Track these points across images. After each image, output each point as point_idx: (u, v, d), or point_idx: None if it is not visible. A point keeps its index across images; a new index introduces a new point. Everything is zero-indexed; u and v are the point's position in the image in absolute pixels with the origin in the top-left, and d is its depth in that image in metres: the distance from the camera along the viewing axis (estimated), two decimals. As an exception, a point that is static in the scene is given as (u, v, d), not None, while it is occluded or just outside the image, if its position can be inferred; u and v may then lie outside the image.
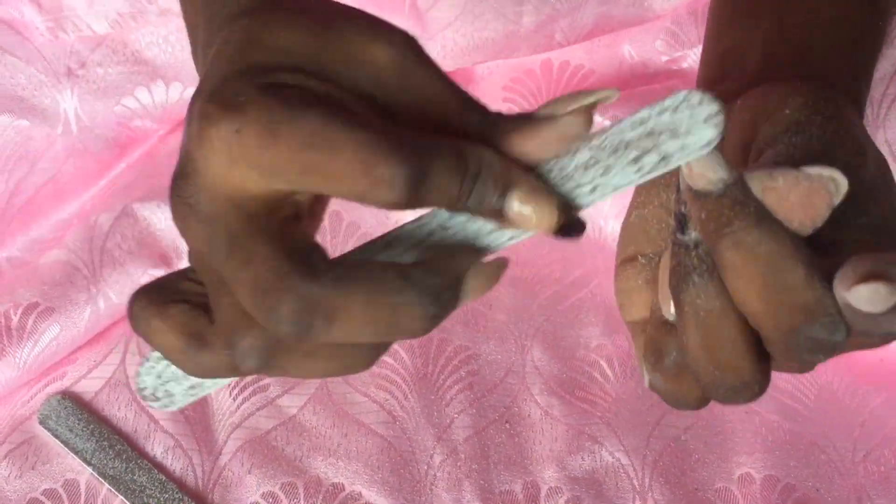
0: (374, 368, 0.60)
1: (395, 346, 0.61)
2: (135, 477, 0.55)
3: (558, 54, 0.72)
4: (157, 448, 0.57)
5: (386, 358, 0.61)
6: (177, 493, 0.55)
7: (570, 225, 0.30)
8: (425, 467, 0.57)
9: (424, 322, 0.28)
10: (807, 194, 0.30)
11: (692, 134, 0.28)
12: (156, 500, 0.55)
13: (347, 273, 0.27)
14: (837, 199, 0.30)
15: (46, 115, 0.61)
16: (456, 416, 0.59)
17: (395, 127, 0.28)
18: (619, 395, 0.60)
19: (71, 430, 0.56)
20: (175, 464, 0.56)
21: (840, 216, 0.32)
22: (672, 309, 0.34)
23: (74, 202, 0.67)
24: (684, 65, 0.67)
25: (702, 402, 0.35)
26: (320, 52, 0.29)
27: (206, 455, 0.57)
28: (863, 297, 0.28)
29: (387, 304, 0.27)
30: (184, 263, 0.62)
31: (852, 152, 0.36)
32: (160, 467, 0.56)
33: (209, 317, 0.30)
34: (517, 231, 0.30)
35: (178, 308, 0.30)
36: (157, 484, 0.55)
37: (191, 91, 0.64)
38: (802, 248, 0.30)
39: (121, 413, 0.58)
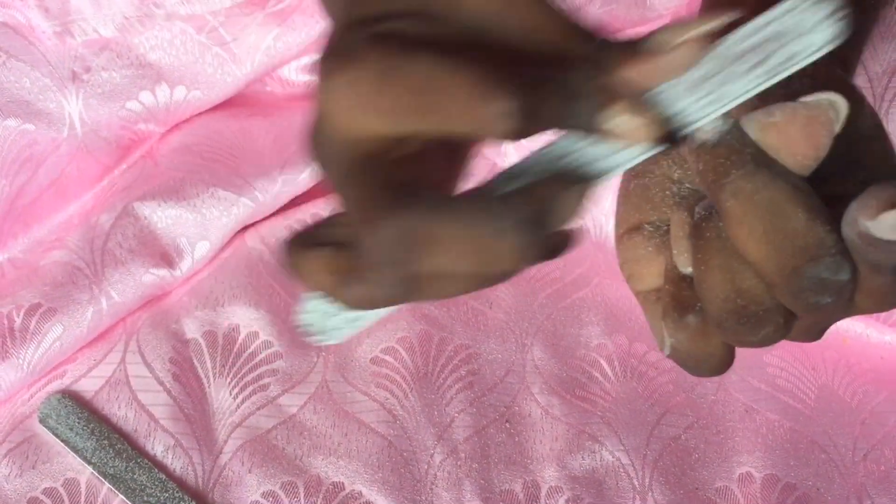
0: (374, 367, 0.60)
1: (395, 345, 0.61)
2: (135, 476, 0.55)
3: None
4: (157, 447, 0.57)
5: (386, 356, 0.61)
6: (177, 492, 0.55)
7: (670, 135, 0.30)
8: (425, 466, 0.57)
9: (516, 255, 0.28)
10: (807, 124, 0.29)
11: (814, 32, 0.28)
12: (156, 499, 0.55)
13: (443, 204, 0.28)
14: (838, 126, 0.30)
15: (51, 120, 0.61)
16: (456, 415, 0.59)
17: (501, 63, 0.29)
18: (620, 394, 0.60)
19: (71, 429, 0.56)
20: (175, 463, 0.56)
21: (837, 169, 0.31)
22: (688, 262, 0.34)
23: (75, 203, 0.67)
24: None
25: (725, 361, 0.35)
26: None
27: (206, 454, 0.57)
28: (888, 224, 0.27)
29: (480, 236, 0.28)
30: (185, 263, 0.62)
31: (855, 97, 0.35)
32: (160, 466, 0.56)
33: (358, 253, 0.31)
34: (632, 147, 0.30)
35: (326, 249, 0.31)
36: (157, 483, 0.55)
37: (195, 94, 0.65)
38: (803, 190, 0.29)
39: (121, 412, 0.58)
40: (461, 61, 0.28)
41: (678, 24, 0.29)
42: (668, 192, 0.38)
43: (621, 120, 0.29)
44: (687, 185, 0.38)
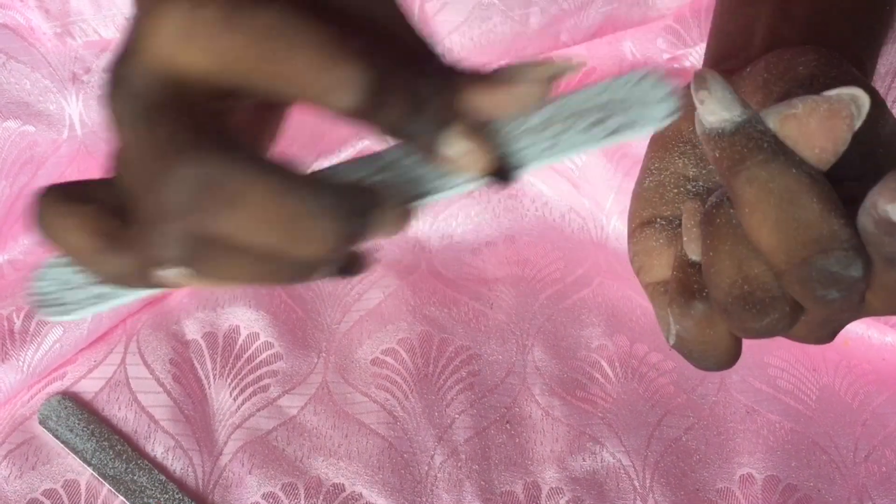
0: (375, 368, 0.60)
1: (395, 347, 0.61)
2: (135, 477, 0.55)
3: (561, 53, 0.72)
4: (157, 448, 0.57)
5: (386, 358, 0.61)
6: (177, 493, 0.55)
7: (500, 173, 0.30)
8: (426, 468, 0.57)
9: (324, 239, 0.26)
10: (827, 117, 0.29)
11: (648, 108, 0.29)
12: (156, 500, 0.55)
13: (259, 161, 0.26)
14: (859, 121, 0.29)
15: (52, 121, 0.61)
16: (457, 416, 0.59)
17: (359, 35, 0.27)
18: (621, 395, 0.60)
19: (71, 431, 0.56)
20: (175, 464, 0.56)
21: (853, 172, 0.31)
22: (698, 250, 0.34)
23: None
24: (686, 63, 0.67)
25: (731, 353, 0.34)
26: None
27: (206, 455, 0.57)
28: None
29: (289, 206, 0.26)
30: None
31: (877, 100, 0.35)
32: (160, 468, 0.56)
33: (125, 222, 0.28)
34: (458, 179, 0.30)
35: (91, 207, 0.28)
36: (157, 484, 0.55)
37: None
38: (819, 181, 0.29)
39: (121, 413, 0.57)
40: (318, 18, 0.26)
41: (532, 64, 0.29)
42: (682, 189, 0.38)
43: (457, 144, 0.28)
44: (701, 183, 0.38)
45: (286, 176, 0.26)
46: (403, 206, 0.30)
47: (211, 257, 0.27)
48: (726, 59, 0.45)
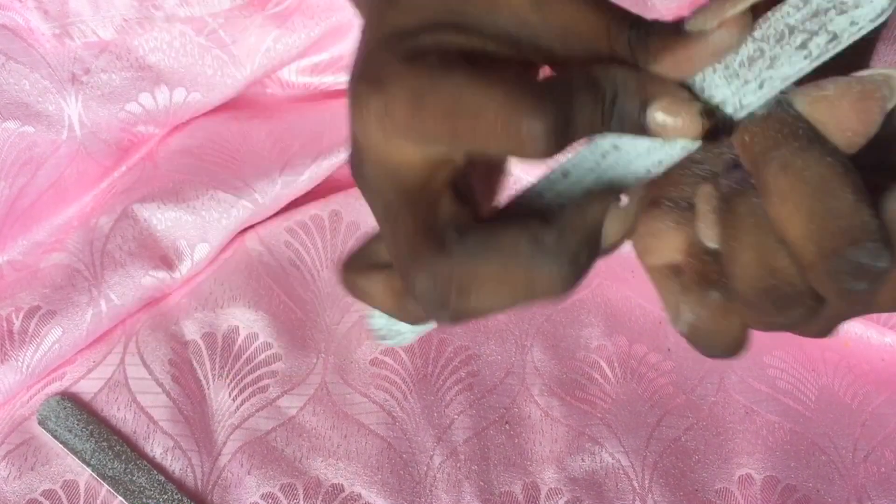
0: (374, 369, 0.60)
1: (395, 347, 0.61)
2: (134, 478, 0.55)
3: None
4: (156, 449, 0.57)
5: (385, 358, 0.61)
6: (176, 493, 0.55)
7: (716, 129, 0.29)
8: (425, 468, 0.57)
9: (563, 283, 0.28)
10: (859, 99, 0.28)
11: (860, 6, 0.27)
12: (155, 500, 0.55)
13: (479, 245, 0.28)
14: (891, 103, 0.29)
15: (51, 122, 0.61)
16: (456, 416, 0.59)
17: (534, 75, 0.29)
18: (620, 396, 0.60)
19: (70, 431, 0.56)
20: (174, 464, 0.56)
21: (869, 162, 0.30)
22: (715, 237, 0.33)
23: (75, 205, 0.67)
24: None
25: (741, 342, 0.34)
26: (459, 3, 0.29)
27: (205, 456, 0.57)
28: None
29: (521, 273, 0.28)
30: (185, 265, 0.62)
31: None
32: (159, 468, 0.56)
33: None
34: (675, 144, 0.30)
35: (382, 273, 0.32)
36: (156, 485, 0.55)
37: (195, 96, 0.65)
38: (852, 171, 0.28)
39: (120, 414, 0.57)
40: (493, 79, 0.27)
41: (715, 4, 0.28)
42: (687, 171, 0.37)
43: (665, 118, 0.28)
44: (707, 167, 0.37)
45: (510, 244, 0.28)
46: (625, 208, 0.30)
47: (472, 317, 0.30)
48: None
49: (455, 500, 0.56)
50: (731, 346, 0.34)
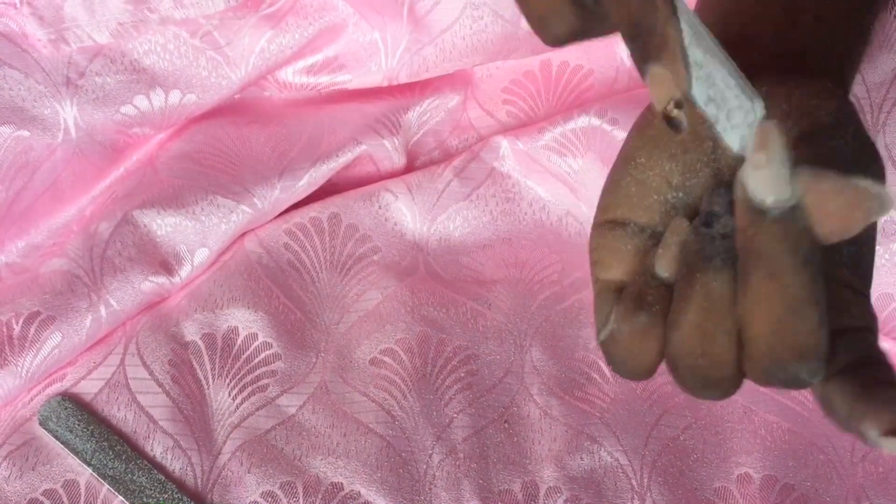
0: (373, 368, 0.61)
1: (394, 347, 0.62)
2: (134, 477, 0.55)
3: (558, 54, 0.72)
4: (156, 448, 0.57)
5: (384, 358, 0.61)
6: (176, 493, 0.55)
7: (675, 123, 0.31)
8: (424, 467, 0.57)
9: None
10: (848, 205, 0.29)
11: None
12: (155, 499, 0.55)
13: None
14: (875, 218, 0.29)
15: (46, 126, 0.61)
16: (455, 415, 0.59)
17: None
18: (618, 395, 0.60)
19: (71, 431, 0.56)
20: (174, 464, 0.56)
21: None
22: (668, 270, 0.34)
23: (72, 207, 0.67)
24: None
25: (648, 371, 0.35)
26: None
27: (205, 455, 0.57)
28: (891, 445, 0.29)
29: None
30: (184, 270, 0.63)
31: (880, 171, 0.36)
32: (159, 467, 0.56)
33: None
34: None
35: None
36: (156, 484, 0.55)
37: (190, 98, 0.65)
38: (822, 290, 0.30)
39: (120, 414, 0.58)
40: None
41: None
42: (663, 198, 0.37)
43: (659, 69, 0.30)
44: (682, 196, 0.38)
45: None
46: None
47: None
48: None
49: (454, 499, 0.56)
50: (639, 370, 0.35)
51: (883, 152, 0.57)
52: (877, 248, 0.56)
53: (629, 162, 0.39)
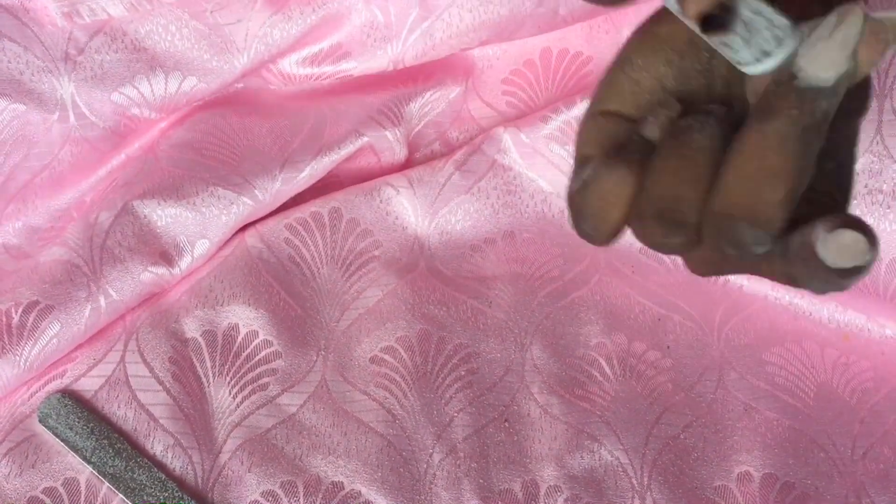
0: (374, 367, 0.61)
1: (394, 345, 0.61)
2: (134, 475, 0.55)
3: (558, 42, 0.72)
4: (156, 446, 0.57)
5: (385, 356, 0.61)
6: (176, 491, 0.55)
7: (717, 22, 0.31)
8: (424, 466, 0.57)
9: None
10: (869, 34, 0.30)
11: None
12: (155, 498, 0.55)
13: None
14: (892, 49, 0.30)
15: (43, 100, 0.61)
16: (455, 414, 0.59)
17: None
18: (619, 393, 0.60)
19: (71, 429, 0.56)
20: (175, 462, 0.56)
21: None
22: (653, 134, 0.35)
23: (72, 191, 0.67)
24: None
25: (611, 231, 0.35)
26: None
27: (205, 453, 0.57)
28: (843, 242, 0.29)
29: None
30: (184, 261, 0.62)
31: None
32: (160, 466, 0.56)
33: None
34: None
35: None
36: (156, 482, 0.55)
37: (191, 80, 0.65)
38: (801, 177, 0.31)
39: (120, 411, 0.58)
40: None
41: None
42: (655, 99, 0.37)
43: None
44: (674, 101, 0.38)
45: None
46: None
47: None
48: None
49: (454, 498, 0.56)
50: (603, 225, 0.35)
51: (889, 115, 0.58)
52: (888, 212, 0.57)
53: (626, 62, 0.38)
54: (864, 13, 0.29)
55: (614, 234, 0.35)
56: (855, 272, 0.29)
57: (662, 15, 0.36)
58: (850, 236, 0.28)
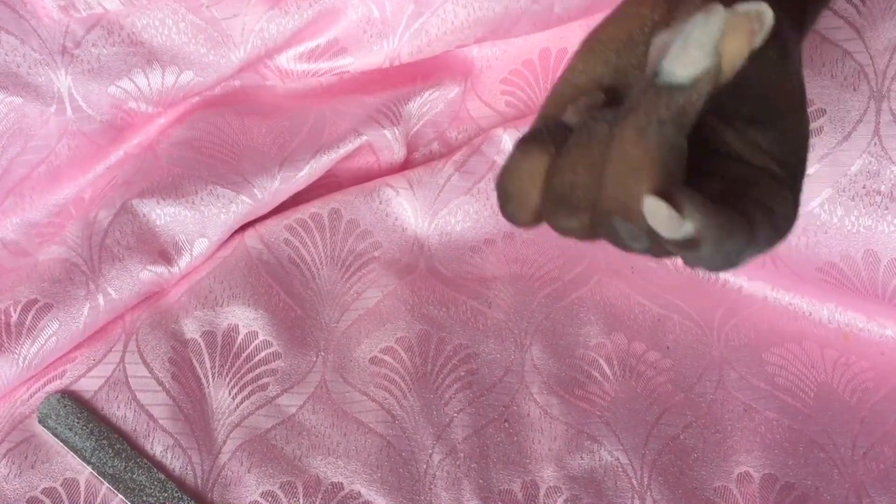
0: (373, 367, 0.60)
1: (394, 345, 0.61)
2: (134, 476, 0.55)
3: (557, 42, 0.72)
4: (156, 447, 0.57)
5: (385, 357, 0.61)
6: (176, 492, 0.55)
7: None
8: (424, 466, 0.57)
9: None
10: (734, 29, 0.31)
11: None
12: (155, 498, 0.55)
13: None
14: (759, 38, 0.31)
15: (40, 93, 0.62)
16: (455, 414, 0.59)
17: None
18: (619, 394, 0.60)
19: (70, 429, 0.56)
20: (174, 463, 0.56)
21: (752, 115, 0.35)
22: (571, 119, 0.36)
23: (70, 186, 0.67)
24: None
25: (531, 213, 0.36)
26: None
27: (205, 454, 0.57)
28: (659, 214, 0.31)
29: None
30: (183, 260, 0.62)
31: (784, 51, 0.36)
32: (159, 466, 0.56)
33: None
34: None
35: None
36: (156, 483, 0.55)
37: (188, 74, 0.65)
38: (669, 171, 0.31)
39: (120, 412, 0.58)
40: None
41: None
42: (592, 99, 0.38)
43: None
44: (598, 91, 0.39)
45: None
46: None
47: None
48: None
49: (454, 498, 0.56)
50: (523, 207, 0.36)
51: (888, 117, 0.57)
52: (886, 213, 0.58)
53: (570, 70, 0.40)
54: (724, 12, 0.30)
55: (536, 215, 0.36)
56: (689, 245, 0.31)
57: (608, 20, 0.38)
58: (657, 207, 0.30)
